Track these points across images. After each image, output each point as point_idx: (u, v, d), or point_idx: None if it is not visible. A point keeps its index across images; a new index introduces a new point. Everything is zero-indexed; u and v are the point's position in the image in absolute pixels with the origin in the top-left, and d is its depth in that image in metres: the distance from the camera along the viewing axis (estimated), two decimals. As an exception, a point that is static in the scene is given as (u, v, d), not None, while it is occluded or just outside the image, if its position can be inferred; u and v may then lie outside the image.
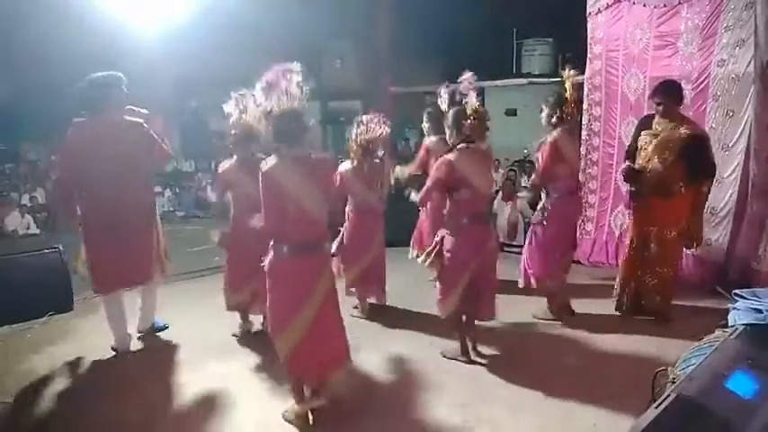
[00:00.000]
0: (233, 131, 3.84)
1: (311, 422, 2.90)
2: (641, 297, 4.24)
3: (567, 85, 4.13)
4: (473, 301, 3.56)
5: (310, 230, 2.79)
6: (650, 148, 4.00)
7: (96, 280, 3.90)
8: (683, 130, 3.89)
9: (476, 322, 3.72)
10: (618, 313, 4.34)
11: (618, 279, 4.37)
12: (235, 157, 3.93)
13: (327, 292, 2.87)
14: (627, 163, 4.18)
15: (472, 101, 3.53)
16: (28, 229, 9.89)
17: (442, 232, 3.59)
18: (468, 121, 3.46)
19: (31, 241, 8.59)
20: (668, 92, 3.97)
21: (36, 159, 15.72)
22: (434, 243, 3.63)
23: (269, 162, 2.73)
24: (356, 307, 4.63)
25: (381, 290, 4.65)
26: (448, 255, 3.51)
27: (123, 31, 9.24)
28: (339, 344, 2.97)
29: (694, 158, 3.87)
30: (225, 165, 3.98)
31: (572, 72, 4.21)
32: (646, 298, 4.21)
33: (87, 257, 3.90)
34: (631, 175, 4.11)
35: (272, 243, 2.81)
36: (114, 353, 3.96)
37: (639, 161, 4.08)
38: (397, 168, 4.97)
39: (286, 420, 2.97)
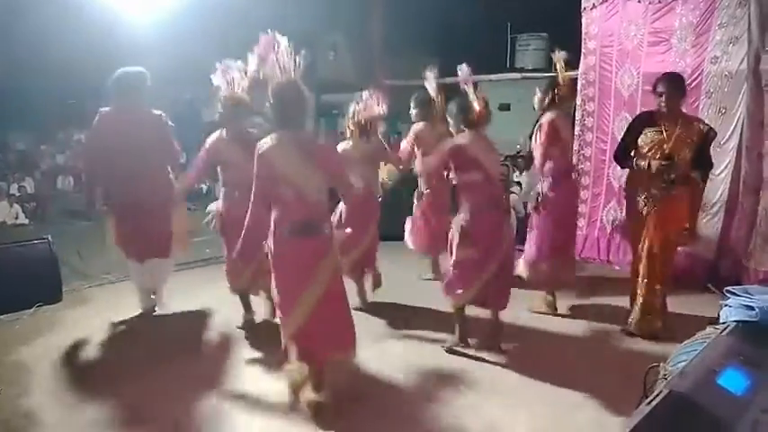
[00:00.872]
0: (221, 103, 3.76)
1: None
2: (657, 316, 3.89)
3: (559, 67, 4.15)
4: (489, 292, 3.53)
5: (309, 212, 2.78)
6: (668, 146, 3.68)
7: (125, 251, 4.37)
8: (701, 126, 3.74)
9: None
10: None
11: (641, 299, 3.91)
12: (224, 129, 3.82)
13: (331, 274, 2.85)
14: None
15: (472, 92, 3.52)
16: (16, 218, 9.79)
17: (457, 221, 3.53)
18: (479, 109, 3.46)
19: (20, 231, 8.50)
20: (674, 83, 3.75)
21: (24, 149, 15.55)
22: (450, 235, 3.58)
23: (267, 141, 2.71)
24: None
25: (373, 270, 4.56)
26: (465, 245, 3.46)
27: (117, 23, 9.14)
28: (344, 326, 2.94)
29: (703, 154, 3.73)
30: (213, 136, 3.86)
31: (561, 54, 4.23)
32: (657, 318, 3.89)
33: (116, 232, 4.31)
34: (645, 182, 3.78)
35: (272, 225, 2.80)
36: (139, 314, 4.42)
37: (641, 162, 3.76)
38: (386, 169, 4.82)
39: (288, 375, 2.96)
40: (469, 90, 3.55)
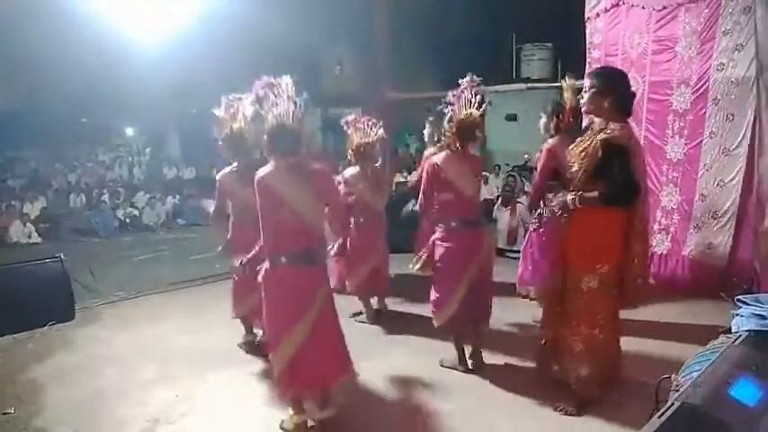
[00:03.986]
0: (222, 136, 3.81)
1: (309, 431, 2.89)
2: (559, 362, 3.11)
3: (567, 95, 4.08)
4: (470, 308, 3.53)
5: (306, 239, 2.78)
6: (570, 156, 2.98)
7: None
8: (600, 136, 2.82)
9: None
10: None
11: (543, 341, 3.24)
12: (235, 163, 3.88)
13: (326, 302, 2.85)
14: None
15: (461, 106, 3.49)
16: (29, 237, 9.90)
17: (434, 237, 3.58)
18: (451, 128, 3.47)
19: (33, 250, 8.59)
20: (599, 78, 2.97)
21: (36, 167, 15.77)
22: (426, 248, 3.64)
23: (263, 169, 2.74)
24: (357, 313, 4.61)
25: (383, 294, 4.67)
26: (438, 262, 3.52)
27: (124, 39, 9.28)
28: (338, 353, 2.92)
29: (610, 174, 2.78)
30: (224, 171, 3.93)
31: (570, 82, 4.14)
32: (564, 366, 3.06)
33: None
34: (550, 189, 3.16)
35: (268, 254, 2.77)
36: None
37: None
38: (400, 176, 4.96)
39: (283, 430, 2.94)
40: (458, 105, 3.50)
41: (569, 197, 2.84)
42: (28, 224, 10.08)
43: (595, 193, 2.77)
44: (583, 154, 2.84)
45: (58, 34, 9.81)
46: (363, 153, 4.35)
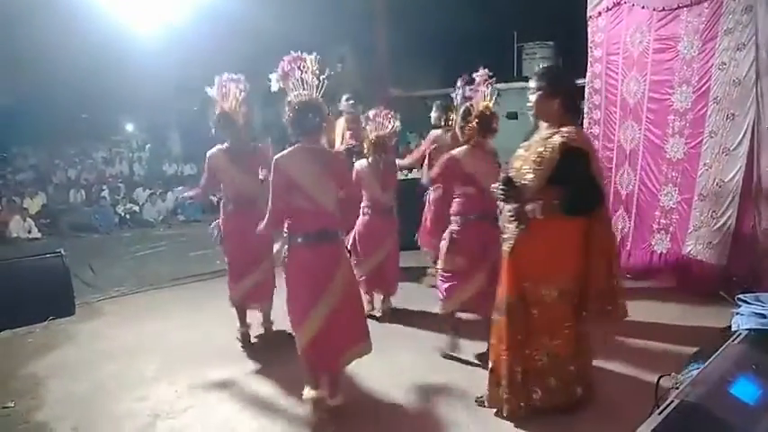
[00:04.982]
0: (214, 119, 3.84)
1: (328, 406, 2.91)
2: (533, 385, 2.86)
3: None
4: (478, 299, 3.56)
5: (323, 220, 2.84)
6: (517, 163, 2.81)
7: None
8: (557, 138, 2.65)
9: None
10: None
11: (492, 366, 2.93)
12: (225, 144, 3.90)
13: (347, 278, 2.93)
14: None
15: (479, 100, 3.58)
16: (29, 233, 9.90)
17: (452, 227, 3.63)
18: (471, 122, 3.53)
19: (34, 246, 8.59)
20: (545, 78, 2.78)
21: (36, 164, 15.76)
22: (445, 240, 3.67)
23: (284, 153, 2.80)
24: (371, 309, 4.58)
25: (390, 291, 4.62)
26: (456, 253, 3.56)
27: (125, 35, 9.27)
28: (359, 327, 3.02)
29: (569, 180, 2.61)
30: (213, 150, 3.94)
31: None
32: (538, 386, 2.85)
33: None
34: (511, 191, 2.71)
35: (285, 235, 2.85)
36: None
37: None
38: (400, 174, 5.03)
39: (306, 400, 2.92)
40: (477, 98, 3.59)
41: (528, 207, 2.64)
42: (28, 219, 10.08)
43: (557, 202, 2.60)
44: (539, 159, 2.65)
45: (59, 30, 9.80)
46: (378, 145, 4.35)
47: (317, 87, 2.86)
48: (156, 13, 8.63)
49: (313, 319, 2.83)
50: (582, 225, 2.71)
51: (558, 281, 2.74)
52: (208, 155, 3.95)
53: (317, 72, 2.85)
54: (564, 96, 2.72)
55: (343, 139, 5.56)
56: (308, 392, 2.94)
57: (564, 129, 2.67)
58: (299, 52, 2.88)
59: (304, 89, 2.83)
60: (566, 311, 2.78)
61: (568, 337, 2.80)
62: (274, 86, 3.62)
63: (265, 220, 2.88)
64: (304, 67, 2.84)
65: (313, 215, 2.81)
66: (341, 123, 5.65)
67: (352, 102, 5.55)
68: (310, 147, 2.83)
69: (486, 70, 3.68)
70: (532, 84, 2.78)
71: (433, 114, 5.25)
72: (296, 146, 2.83)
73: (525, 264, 2.75)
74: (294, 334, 2.97)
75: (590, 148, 2.75)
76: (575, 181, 2.59)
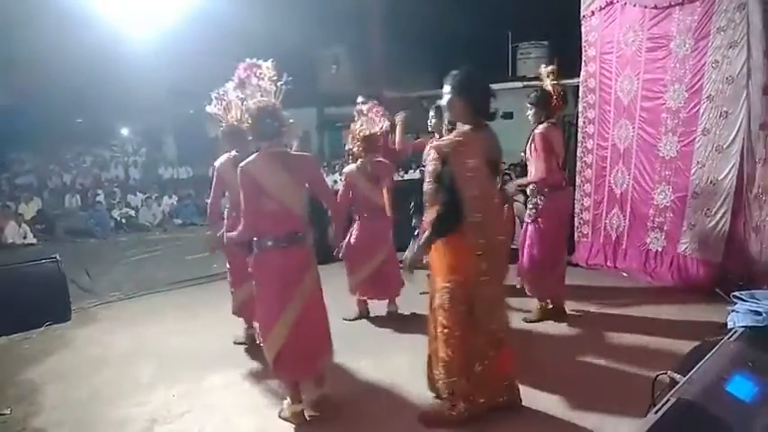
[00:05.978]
0: (221, 130, 3.83)
1: (307, 419, 2.95)
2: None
3: (547, 81, 4.28)
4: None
5: (290, 224, 2.86)
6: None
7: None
8: (434, 143, 2.78)
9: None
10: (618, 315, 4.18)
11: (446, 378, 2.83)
12: (233, 152, 3.85)
13: (313, 285, 2.95)
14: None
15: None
16: (25, 238, 9.87)
17: None
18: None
19: (29, 251, 8.57)
20: (454, 79, 2.75)
21: (32, 169, 15.71)
22: None
23: (249, 158, 2.83)
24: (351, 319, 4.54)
25: (391, 294, 4.52)
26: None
27: (120, 40, 9.26)
28: (324, 335, 3.03)
29: (443, 184, 2.66)
30: (222, 159, 3.89)
31: (548, 69, 4.37)
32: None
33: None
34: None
35: (255, 240, 2.85)
36: None
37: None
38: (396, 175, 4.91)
39: (282, 418, 2.99)
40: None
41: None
42: (23, 225, 10.05)
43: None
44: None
45: (54, 35, 9.78)
46: (367, 143, 4.29)
47: (275, 93, 2.90)
48: (150, 17, 8.62)
49: (282, 323, 2.84)
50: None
51: (448, 285, 2.73)
52: (217, 165, 3.89)
53: (275, 78, 2.90)
54: (469, 98, 2.71)
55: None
56: (286, 406, 2.97)
57: (455, 131, 2.72)
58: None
59: (262, 95, 2.88)
60: (452, 318, 2.73)
61: (454, 346, 2.77)
62: (211, 108, 3.67)
63: (240, 228, 2.88)
64: (260, 74, 2.89)
65: (281, 218, 2.82)
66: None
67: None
68: (273, 151, 2.84)
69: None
70: (446, 86, 2.78)
71: (432, 121, 4.89)
72: (259, 152, 2.85)
73: (433, 265, 2.84)
74: (263, 344, 2.95)
75: (460, 152, 2.65)
76: (443, 192, 2.63)
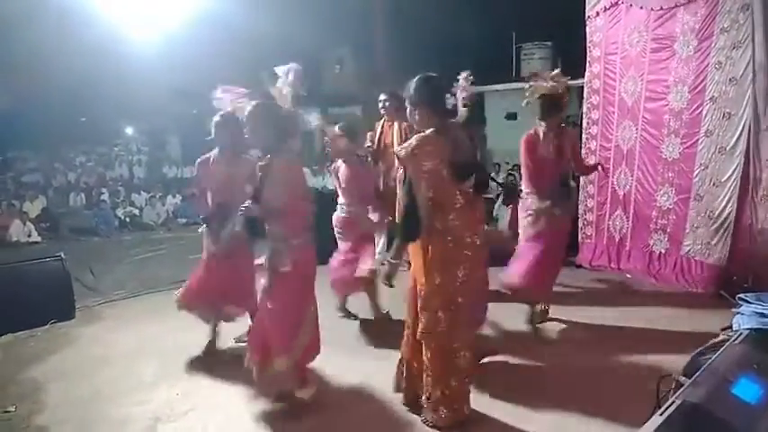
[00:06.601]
0: (213, 126, 3.75)
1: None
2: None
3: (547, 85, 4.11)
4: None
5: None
6: None
7: None
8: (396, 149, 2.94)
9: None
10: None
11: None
12: (218, 149, 3.80)
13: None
14: None
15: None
16: (29, 237, 9.91)
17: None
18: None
19: (34, 249, 8.59)
20: (410, 87, 2.78)
21: (36, 167, 15.77)
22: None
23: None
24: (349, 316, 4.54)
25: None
26: None
27: (124, 39, 9.28)
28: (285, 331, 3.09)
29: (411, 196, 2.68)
30: (204, 156, 3.84)
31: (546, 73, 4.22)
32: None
33: None
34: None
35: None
36: None
37: None
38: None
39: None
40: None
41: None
42: (28, 223, 10.09)
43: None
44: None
45: (58, 34, 9.81)
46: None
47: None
48: (154, 17, 8.64)
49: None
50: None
51: (422, 287, 2.80)
52: (197, 162, 3.94)
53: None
54: (425, 105, 2.73)
55: (401, 138, 5.21)
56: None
57: (414, 136, 2.73)
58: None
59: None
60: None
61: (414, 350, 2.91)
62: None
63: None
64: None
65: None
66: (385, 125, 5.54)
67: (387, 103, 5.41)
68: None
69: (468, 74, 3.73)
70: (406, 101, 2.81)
71: (386, 104, 4.96)
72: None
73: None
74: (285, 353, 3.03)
75: (411, 158, 2.64)
76: (405, 197, 2.69)
